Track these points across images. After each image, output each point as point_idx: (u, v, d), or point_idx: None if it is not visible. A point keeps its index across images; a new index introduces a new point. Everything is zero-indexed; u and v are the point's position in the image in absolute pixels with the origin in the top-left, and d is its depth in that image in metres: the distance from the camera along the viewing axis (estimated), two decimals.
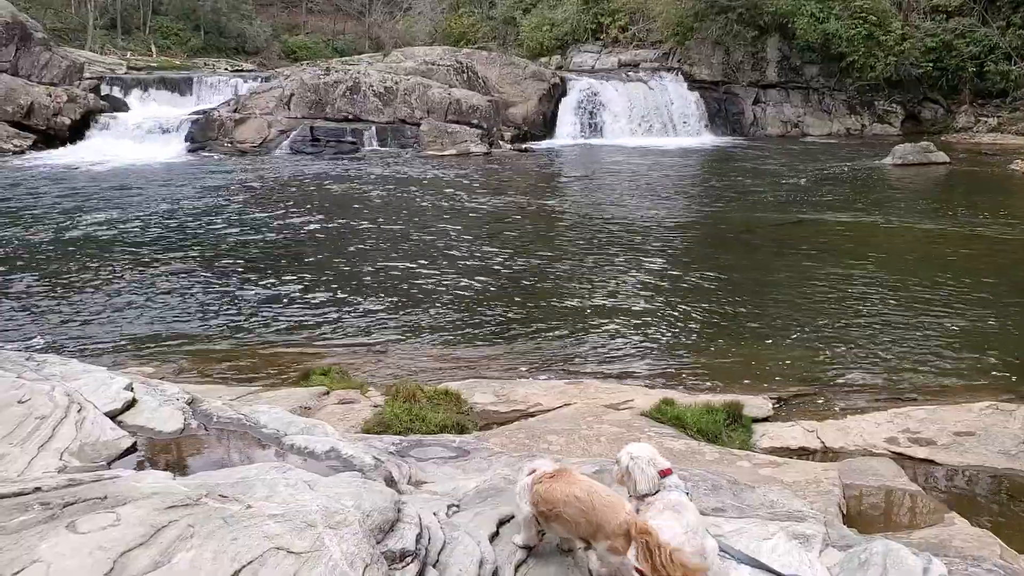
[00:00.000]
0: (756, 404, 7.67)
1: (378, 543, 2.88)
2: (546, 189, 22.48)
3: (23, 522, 2.68)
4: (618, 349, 9.82)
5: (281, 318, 10.91)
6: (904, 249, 15.34)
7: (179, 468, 3.96)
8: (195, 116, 30.08)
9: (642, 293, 12.08)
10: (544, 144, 32.52)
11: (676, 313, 11.20)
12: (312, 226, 16.72)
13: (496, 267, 13.67)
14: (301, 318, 10.92)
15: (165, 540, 2.60)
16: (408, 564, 2.89)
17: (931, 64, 35.53)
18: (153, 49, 51.71)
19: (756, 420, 7.32)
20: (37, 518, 2.71)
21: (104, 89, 32.58)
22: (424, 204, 19.42)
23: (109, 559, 2.48)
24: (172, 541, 2.60)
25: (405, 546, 2.95)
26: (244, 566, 2.52)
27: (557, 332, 10.39)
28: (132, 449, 4.07)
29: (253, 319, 10.85)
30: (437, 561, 3.03)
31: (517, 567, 3.14)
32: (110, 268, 13.14)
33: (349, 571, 2.61)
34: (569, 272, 13.29)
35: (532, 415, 7.28)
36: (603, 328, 10.52)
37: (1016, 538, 5.24)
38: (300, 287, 12.29)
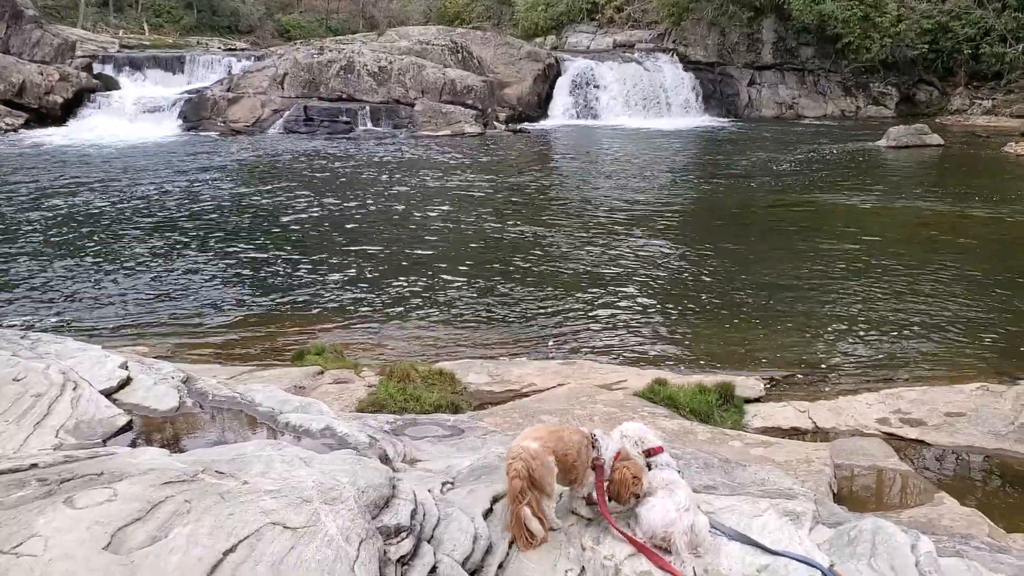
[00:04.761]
0: (748, 384, 7.71)
1: (373, 519, 2.91)
2: (541, 170, 22.45)
3: (20, 498, 2.69)
4: (612, 329, 9.85)
5: (275, 298, 10.91)
6: (897, 231, 15.38)
7: (174, 446, 3.97)
8: (188, 95, 29.93)
9: (635, 274, 12.09)
10: (539, 125, 32.47)
11: (669, 294, 11.23)
12: (306, 207, 16.68)
13: (490, 248, 13.67)
14: (295, 298, 10.92)
15: (162, 515, 2.61)
16: (403, 539, 2.92)
17: (926, 46, 35.47)
18: (145, 27, 51.39)
19: (748, 400, 7.36)
20: (34, 494, 2.72)
21: (96, 67, 32.36)
22: (418, 184, 19.38)
23: (107, 534, 2.50)
24: (169, 516, 2.61)
25: (400, 522, 2.98)
26: (241, 541, 2.54)
27: (551, 312, 10.41)
28: (127, 427, 4.08)
29: (247, 299, 10.86)
30: (432, 537, 3.06)
31: (511, 543, 3.17)
32: (104, 248, 13.12)
33: (345, 546, 2.64)
34: (563, 253, 13.30)
35: (526, 395, 7.32)
36: (597, 309, 10.55)
37: (1004, 517, 5.31)
38: (294, 267, 12.28)
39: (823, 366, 8.65)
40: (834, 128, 33.06)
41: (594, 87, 34.74)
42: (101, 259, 12.47)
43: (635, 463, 3.38)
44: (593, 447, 3.41)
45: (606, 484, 3.37)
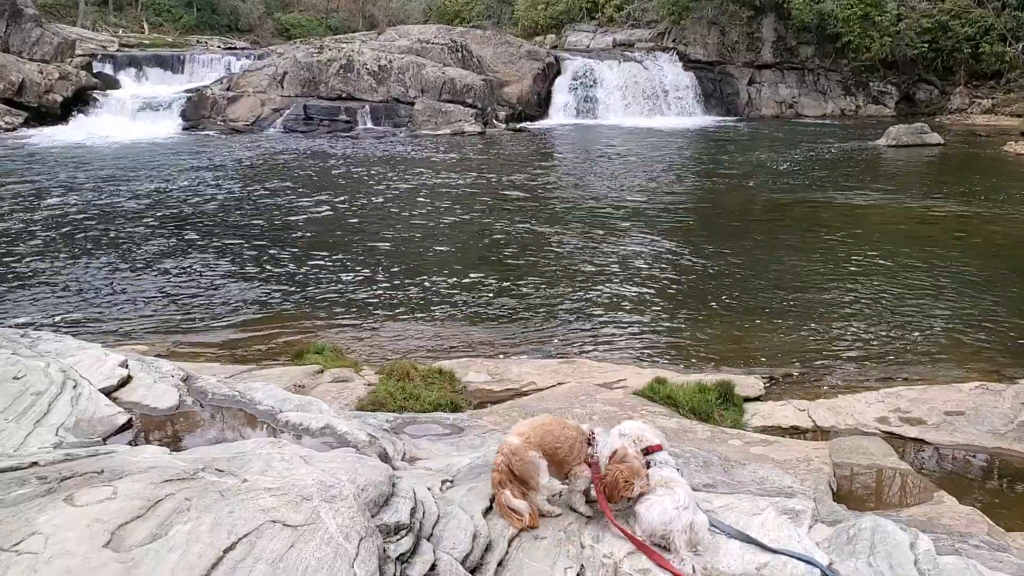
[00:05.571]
0: (748, 383, 7.71)
1: (373, 516, 2.91)
2: (540, 169, 22.43)
3: (21, 495, 2.69)
4: (611, 328, 9.85)
5: (275, 297, 10.91)
6: (897, 230, 15.37)
7: (175, 444, 3.98)
8: (188, 94, 29.92)
9: (635, 273, 12.10)
10: (538, 124, 32.46)
11: (669, 293, 11.23)
12: (306, 205, 16.68)
13: (490, 247, 13.67)
14: (295, 297, 10.92)
15: (162, 513, 2.62)
16: (403, 537, 2.93)
17: (926, 45, 35.45)
18: (145, 26, 51.34)
19: (748, 399, 7.36)
20: (35, 491, 2.73)
21: (96, 66, 32.38)
22: (418, 184, 19.38)
23: (107, 531, 2.50)
24: (169, 514, 2.62)
25: (400, 519, 2.99)
26: (241, 538, 2.55)
27: (551, 311, 10.41)
28: (127, 425, 4.09)
29: (247, 297, 10.85)
30: (431, 535, 3.07)
31: (510, 541, 3.18)
32: (103, 247, 13.11)
33: (345, 543, 2.64)
34: (563, 252, 13.31)
35: (526, 394, 7.31)
36: (596, 307, 10.55)
37: (1003, 516, 5.31)
38: (294, 266, 12.28)
39: (822, 365, 8.65)
40: (834, 127, 33.06)
41: (594, 86, 34.72)
42: (100, 258, 12.46)
43: (630, 466, 3.35)
44: (589, 444, 3.42)
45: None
